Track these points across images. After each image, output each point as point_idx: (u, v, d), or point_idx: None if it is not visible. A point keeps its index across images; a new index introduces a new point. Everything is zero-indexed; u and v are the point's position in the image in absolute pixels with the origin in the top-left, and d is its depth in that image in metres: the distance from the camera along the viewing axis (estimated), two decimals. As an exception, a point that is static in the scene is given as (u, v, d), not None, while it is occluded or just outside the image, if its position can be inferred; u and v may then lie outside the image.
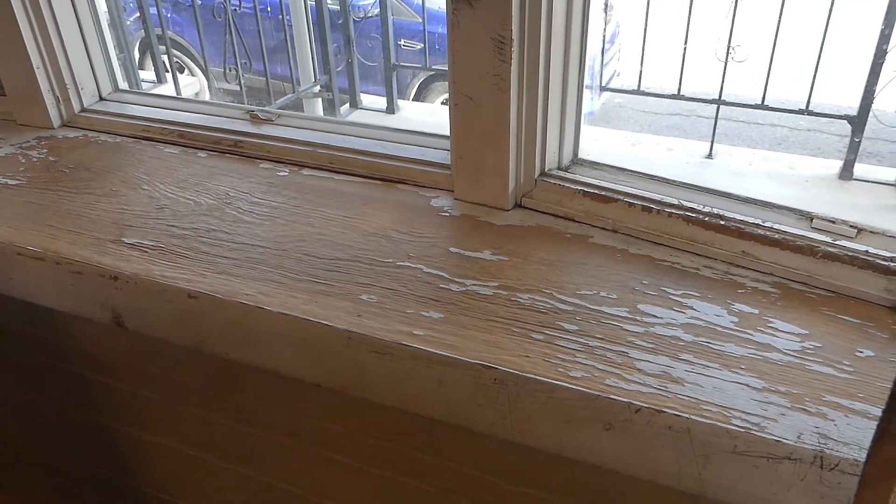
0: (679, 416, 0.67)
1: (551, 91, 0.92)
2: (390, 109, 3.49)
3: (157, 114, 1.24)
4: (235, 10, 3.17)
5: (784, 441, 0.64)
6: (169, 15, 4.85)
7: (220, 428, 1.02)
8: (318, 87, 3.45)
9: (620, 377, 0.70)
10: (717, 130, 3.01)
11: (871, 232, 0.84)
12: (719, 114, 2.93)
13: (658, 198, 0.91)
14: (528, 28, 0.86)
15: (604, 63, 3.82)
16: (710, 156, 2.99)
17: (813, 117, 2.91)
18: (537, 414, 0.72)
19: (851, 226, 0.85)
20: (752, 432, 0.65)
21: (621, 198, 0.92)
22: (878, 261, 0.80)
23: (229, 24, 2.94)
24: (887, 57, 2.53)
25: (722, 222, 0.87)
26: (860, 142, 2.73)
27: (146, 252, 0.92)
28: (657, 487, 0.71)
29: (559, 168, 0.99)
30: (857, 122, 2.72)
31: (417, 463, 0.88)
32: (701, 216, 0.88)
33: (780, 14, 2.62)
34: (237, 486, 1.09)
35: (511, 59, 0.87)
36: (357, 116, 3.50)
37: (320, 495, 1.00)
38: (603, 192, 0.93)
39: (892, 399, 0.38)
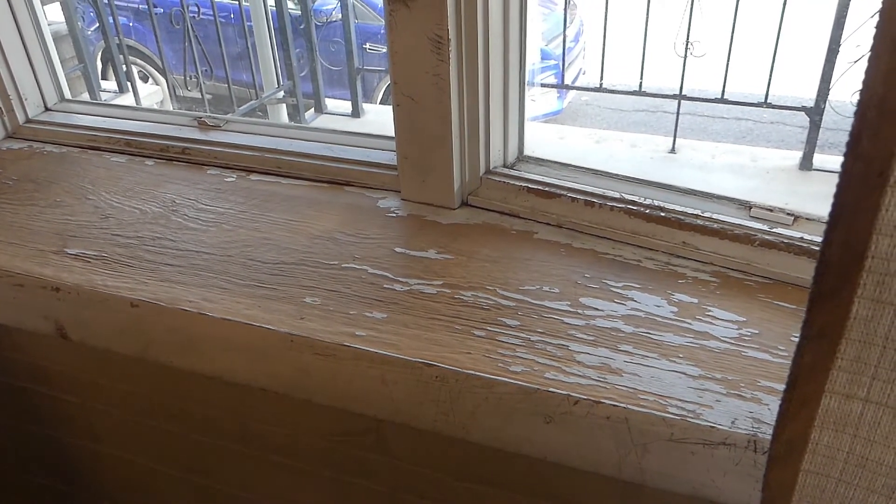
0: (617, 406, 0.67)
1: (492, 89, 0.92)
2: (355, 113, 3.49)
3: (104, 123, 1.22)
4: (195, 17, 3.15)
5: (718, 427, 0.65)
6: (131, 24, 4.80)
7: (170, 437, 1.01)
8: (281, 93, 3.44)
9: (560, 370, 0.71)
10: (682, 125, 3.05)
11: (807, 219, 0.85)
12: (685, 109, 2.96)
13: (600, 192, 0.92)
14: (465, 27, 0.87)
15: (569, 62, 3.85)
16: (673, 150, 3.03)
17: (775, 110, 2.96)
18: (479, 409, 0.72)
19: (788, 213, 0.86)
20: (688, 419, 0.66)
21: (565, 193, 0.93)
22: (813, 247, 0.81)
23: (188, 32, 2.92)
24: (841, 49, 2.57)
25: (662, 214, 0.88)
26: (818, 133, 2.77)
27: (89, 262, 0.91)
28: (600, 478, 0.72)
29: (504, 165, 1.00)
30: (815, 113, 2.76)
31: (367, 463, 0.88)
32: (642, 208, 0.89)
33: (736, 9, 2.66)
34: (191, 494, 1.08)
35: (449, 58, 0.87)
36: (322, 121, 3.49)
37: (272, 499, 1.00)
38: (547, 188, 0.94)
39: (791, 382, 0.39)
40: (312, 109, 3.59)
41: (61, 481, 1.22)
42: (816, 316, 0.37)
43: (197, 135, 1.16)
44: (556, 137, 3.34)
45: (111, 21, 3.08)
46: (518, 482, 0.81)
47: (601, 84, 3.03)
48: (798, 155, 2.98)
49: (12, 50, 1.19)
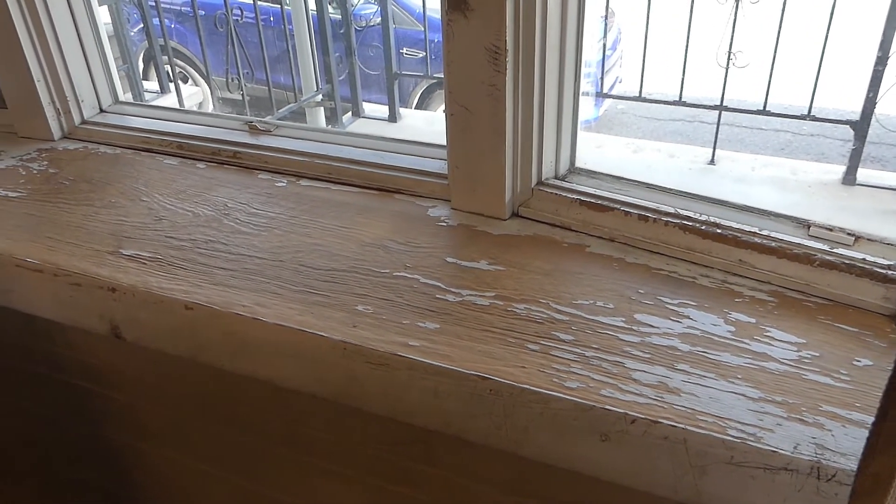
0: (675, 426, 0.66)
1: (547, 101, 0.92)
2: (392, 118, 3.49)
3: (156, 125, 1.24)
4: (238, 20, 3.19)
5: (780, 451, 0.63)
6: (173, 25, 4.88)
7: (217, 439, 1.02)
8: (320, 97, 3.46)
9: (616, 387, 0.70)
10: (720, 136, 3.00)
11: (868, 240, 0.83)
12: (723, 119, 2.92)
13: (655, 206, 0.91)
14: (523, 38, 0.86)
15: (606, 70, 3.82)
16: (712, 162, 2.98)
17: (817, 122, 2.90)
18: (533, 425, 0.71)
19: (849, 233, 0.84)
20: (749, 443, 0.64)
21: (618, 206, 0.92)
22: (875, 269, 0.79)
23: (231, 34, 2.96)
24: (889, 62, 2.52)
25: (719, 231, 0.86)
26: (863, 146, 2.71)
27: (144, 263, 0.92)
28: (654, 498, 0.71)
29: (556, 177, 0.99)
30: (860, 126, 2.71)
31: (413, 473, 0.88)
32: (698, 224, 0.88)
33: (781, 20, 2.62)
34: (236, 496, 1.09)
35: (506, 69, 0.87)
36: (359, 125, 3.50)
37: (317, 506, 1.00)
38: (599, 202, 0.93)
39: (881, 413, 0.38)
40: (350, 113, 3.61)
41: (108, 479, 1.24)
42: (912, 349, 0.36)
43: (247, 139, 1.17)
44: (594, 146, 3.31)
45: (156, 23, 3.13)
46: (567, 499, 0.80)
47: (640, 93, 3.01)
48: (839, 168, 2.92)
49: (71, 52, 1.22)
